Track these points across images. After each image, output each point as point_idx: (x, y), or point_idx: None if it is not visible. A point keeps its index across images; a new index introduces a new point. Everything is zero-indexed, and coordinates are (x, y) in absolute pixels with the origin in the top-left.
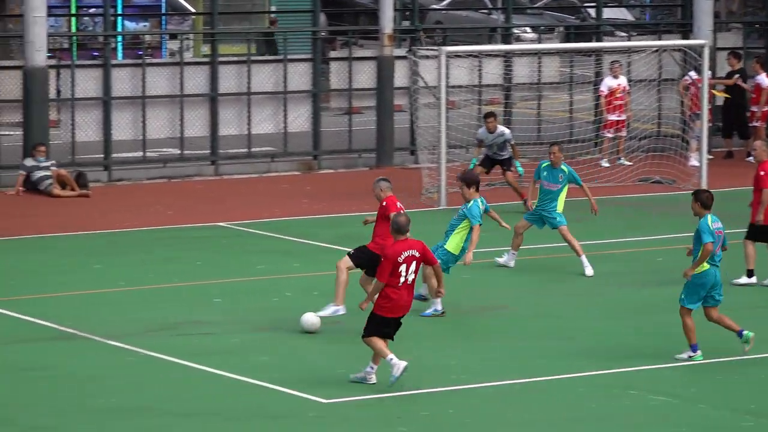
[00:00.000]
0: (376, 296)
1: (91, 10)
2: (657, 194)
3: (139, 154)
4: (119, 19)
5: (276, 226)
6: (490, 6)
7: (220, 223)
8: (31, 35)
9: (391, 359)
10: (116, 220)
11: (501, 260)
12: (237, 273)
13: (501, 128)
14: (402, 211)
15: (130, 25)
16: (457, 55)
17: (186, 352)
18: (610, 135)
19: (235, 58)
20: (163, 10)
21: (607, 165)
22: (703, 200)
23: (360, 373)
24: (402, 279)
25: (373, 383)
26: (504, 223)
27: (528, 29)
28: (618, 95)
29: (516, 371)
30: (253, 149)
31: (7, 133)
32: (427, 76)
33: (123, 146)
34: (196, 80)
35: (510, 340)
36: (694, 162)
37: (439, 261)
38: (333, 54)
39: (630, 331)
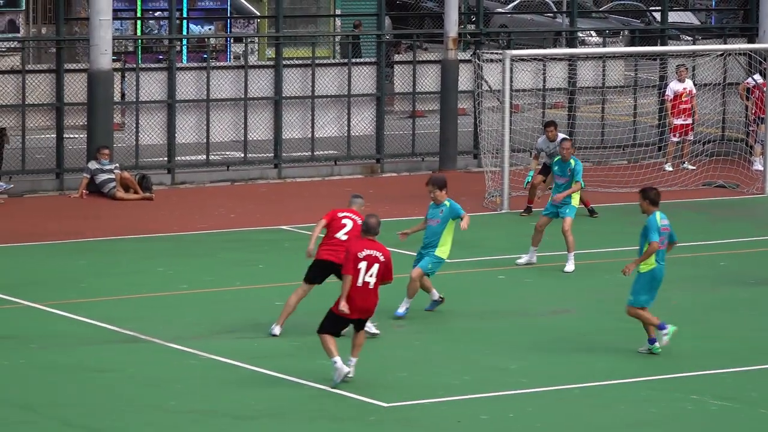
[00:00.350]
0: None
1: (157, 14)
2: (720, 198)
3: (203, 157)
4: (184, 22)
5: None
6: (555, 10)
7: (283, 227)
8: (97, 38)
9: (335, 362)
10: (179, 223)
11: (523, 260)
12: (298, 276)
13: (561, 136)
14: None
15: (195, 29)
16: (521, 59)
17: (247, 355)
18: (675, 139)
19: (300, 62)
20: (229, 14)
21: (670, 169)
22: (651, 197)
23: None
24: (360, 279)
25: (349, 373)
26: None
27: (593, 33)
28: (683, 99)
29: (575, 375)
30: (316, 152)
31: (71, 135)
32: (491, 79)
33: (187, 149)
34: (261, 83)
35: (570, 343)
36: (758, 166)
37: (429, 269)
38: (397, 57)
39: (691, 336)
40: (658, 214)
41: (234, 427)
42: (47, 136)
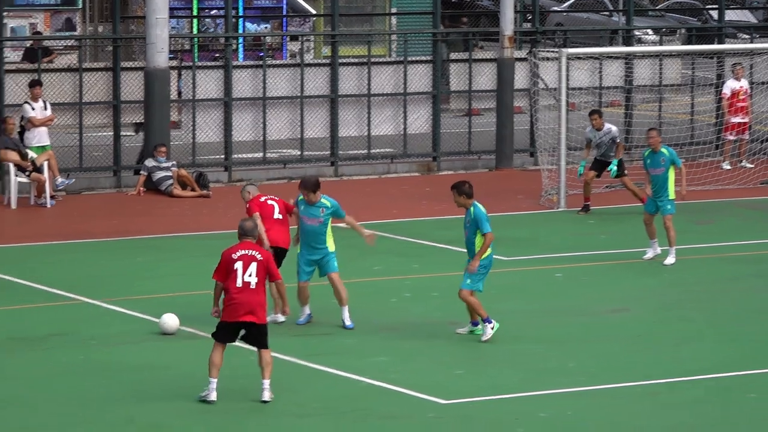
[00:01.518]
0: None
1: (213, 12)
2: None
3: (260, 155)
4: (240, 20)
5: (395, 227)
6: (611, 8)
7: (340, 225)
8: (153, 37)
9: (210, 383)
10: (236, 220)
11: (648, 255)
12: (355, 274)
13: (608, 126)
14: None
15: (251, 27)
16: (577, 57)
17: (305, 352)
18: (732, 137)
19: (356, 60)
20: (285, 12)
21: (728, 167)
22: (466, 191)
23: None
24: (239, 280)
25: (213, 400)
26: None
27: (649, 31)
28: (740, 97)
29: (634, 374)
30: (372, 150)
31: (128, 133)
32: (548, 78)
33: (243, 147)
34: (317, 82)
35: (628, 342)
36: None
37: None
38: (453, 56)
39: (750, 335)
40: (479, 205)
41: (291, 424)
42: (104, 133)
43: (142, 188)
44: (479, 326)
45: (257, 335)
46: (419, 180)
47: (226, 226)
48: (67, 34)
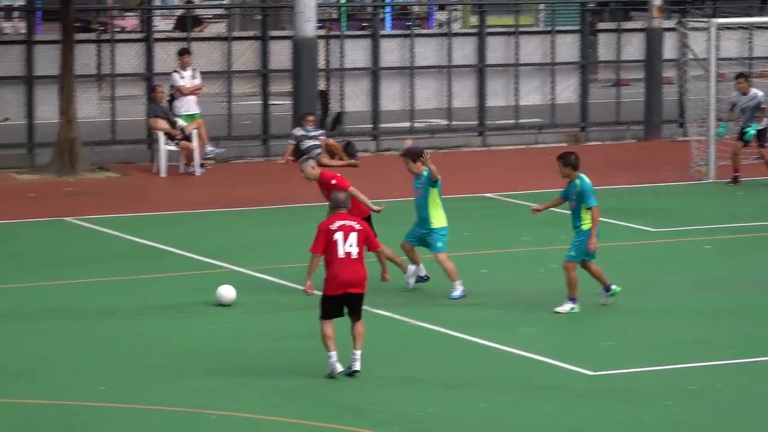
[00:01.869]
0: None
1: None
2: None
3: (407, 124)
4: None
5: (542, 198)
6: None
7: (487, 194)
8: (302, 5)
9: (330, 357)
10: (384, 189)
11: None
12: (503, 244)
13: (754, 90)
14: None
15: None
16: (727, 27)
17: (454, 322)
18: None
19: (503, 29)
20: None
21: None
22: (572, 162)
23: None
24: (341, 251)
25: (340, 371)
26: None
27: None
28: None
29: None
30: (520, 120)
31: (277, 102)
32: (697, 48)
33: (391, 116)
34: (464, 51)
35: None
36: None
37: (440, 244)
38: (601, 26)
39: None
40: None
41: (441, 395)
42: (253, 102)
43: (290, 157)
44: (613, 288)
45: (357, 306)
46: (567, 150)
47: (373, 196)
48: (216, 3)
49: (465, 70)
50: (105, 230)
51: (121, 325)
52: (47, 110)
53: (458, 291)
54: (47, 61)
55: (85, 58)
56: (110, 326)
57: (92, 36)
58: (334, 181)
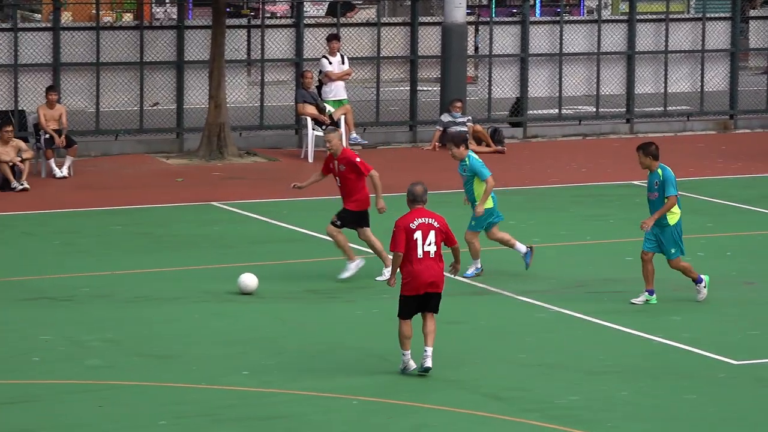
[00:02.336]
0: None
1: None
2: None
3: (555, 111)
4: None
5: (689, 186)
6: None
7: (634, 182)
8: None
9: (405, 355)
10: (531, 176)
11: None
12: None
13: None
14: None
15: None
16: None
17: (596, 310)
18: None
19: (653, 16)
20: None
21: None
22: (653, 152)
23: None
24: (420, 250)
25: (425, 364)
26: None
27: None
28: None
29: None
30: (668, 108)
31: (425, 88)
32: None
33: (539, 103)
34: (614, 38)
35: None
36: None
37: (473, 223)
38: (753, 13)
39: None
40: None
41: (583, 382)
42: (401, 88)
43: (437, 143)
44: (703, 282)
45: (434, 305)
46: (715, 138)
47: (520, 183)
48: None
49: (614, 56)
50: (251, 215)
51: (266, 309)
52: (197, 95)
53: (472, 269)
54: (197, 47)
55: (235, 44)
56: (255, 310)
57: (243, 21)
58: (358, 159)
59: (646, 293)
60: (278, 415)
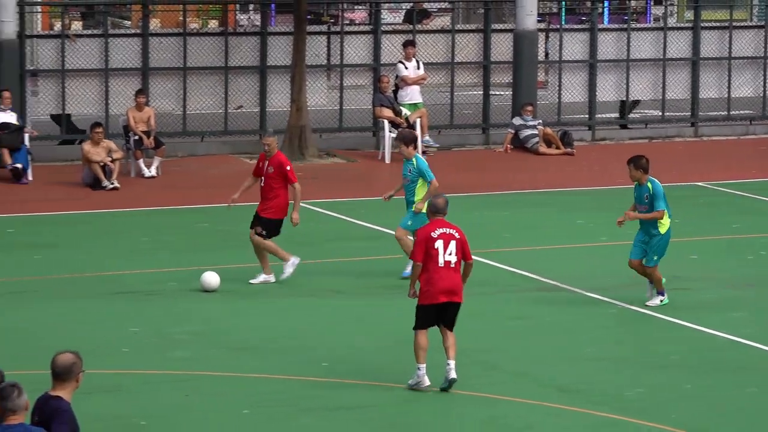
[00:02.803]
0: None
1: None
2: None
3: (621, 115)
4: None
5: (753, 187)
6: None
7: (698, 183)
8: (523, 0)
9: (419, 369)
10: (598, 178)
11: None
12: (713, 231)
13: None
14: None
15: None
16: None
17: (663, 306)
18: None
19: (717, 24)
20: None
21: None
22: (643, 165)
23: (412, 378)
24: (441, 260)
25: (427, 385)
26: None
27: None
28: None
29: None
30: (732, 112)
31: (497, 92)
32: None
33: (606, 107)
34: (679, 45)
35: None
36: None
37: (410, 225)
38: None
39: None
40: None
41: (649, 376)
42: (474, 92)
43: (509, 145)
44: (664, 297)
45: (453, 315)
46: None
47: (588, 183)
48: None
49: (679, 62)
50: (331, 213)
51: (343, 304)
52: (279, 98)
53: (409, 268)
54: (280, 52)
55: (315, 49)
56: (332, 305)
57: (323, 28)
58: (288, 167)
59: (659, 295)
60: (354, 406)
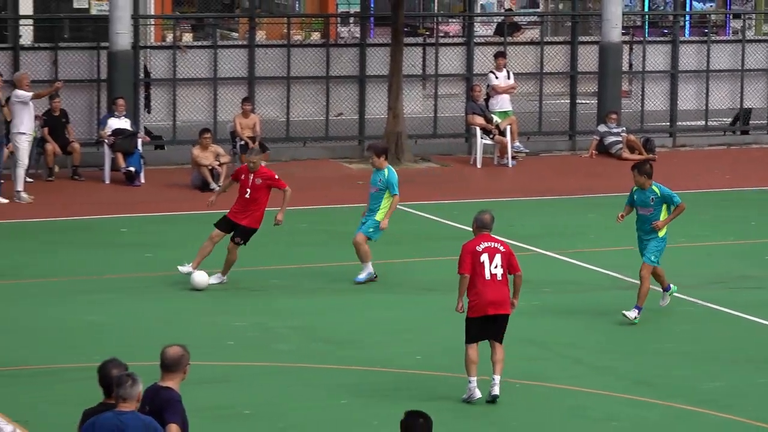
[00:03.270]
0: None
1: None
2: None
3: (702, 122)
4: (687, 0)
5: None
6: None
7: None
8: (609, 13)
9: (471, 382)
10: (678, 182)
11: None
12: None
13: None
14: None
15: (698, 6)
16: None
17: (738, 303)
18: None
19: None
20: None
21: None
22: (647, 171)
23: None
24: (487, 273)
25: (478, 397)
26: None
27: None
28: None
29: None
30: None
31: (583, 101)
32: None
33: (687, 115)
34: (757, 56)
35: None
36: None
37: (371, 232)
38: None
39: None
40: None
41: (725, 370)
42: (562, 101)
43: (594, 151)
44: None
45: (501, 327)
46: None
47: (671, 187)
48: (531, 11)
49: (757, 73)
50: (423, 214)
51: (434, 300)
52: (377, 106)
53: (364, 274)
54: (378, 62)
55: (411, 60)
56: (423, 301)
57: (419, 40)
58: (276, 176)
59: (665, 293)
60: (448, 396)
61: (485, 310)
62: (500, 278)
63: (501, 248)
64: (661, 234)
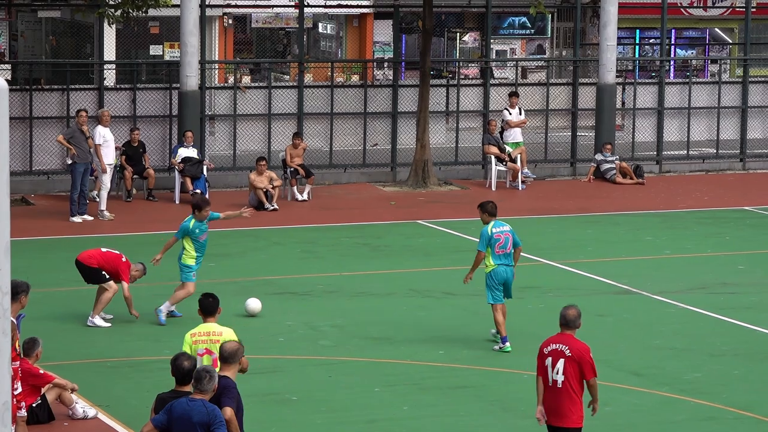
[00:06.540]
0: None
1: (651, 40)
2: None
3: (683, 152)
4: (672, 47)
5: None
6: None
7: (746, 207)
8: (605, 59)
9: None
10: (664, 203)
11: None
12: (761, 245)
13: None
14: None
15: (681, 52)
16: None
17: (715, 306)
18: None
19: (763, 79)
20: (707, 41)
21: None
22: (489, 209)
23: None
24: (549, 377)
25: None
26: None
27: None
28: None
29: None
30: None
31: (583, 134)
32: None
33: (671, 146)
34: (731, 96)
35: None
36: None
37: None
38: None
39: None
40: (491, 224)
41: (705, 363)
42: (564, 133)
43: (591, 176)
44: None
45: None
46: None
47: (656, 207)
48: (538, 56)
49: (731, 110)
50: (448, 230)
51: (459, 303)
52: (407, 138)
53: (163, 315)
54: (408, 100)
55: (436, 98)
56: (450, 304)
57: (443, 81)
58: (124, 258)
59: (501, 341)
60: (467, 385)
61: (549, 418)
62: (560, 386)
63: (567, 352)
64: (486, 271)
